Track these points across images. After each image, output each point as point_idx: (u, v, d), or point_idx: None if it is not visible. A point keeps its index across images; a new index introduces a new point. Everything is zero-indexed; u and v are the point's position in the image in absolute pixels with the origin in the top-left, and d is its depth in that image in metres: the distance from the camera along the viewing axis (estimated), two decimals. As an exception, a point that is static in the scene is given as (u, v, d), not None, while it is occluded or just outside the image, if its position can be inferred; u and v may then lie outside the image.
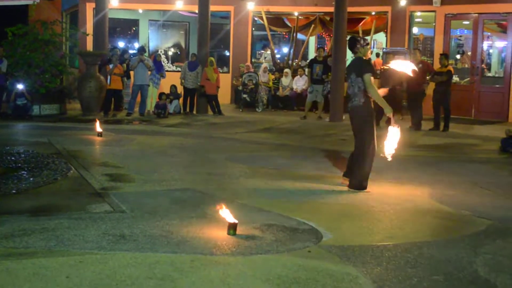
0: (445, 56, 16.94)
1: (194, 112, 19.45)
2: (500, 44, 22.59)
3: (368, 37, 22.39)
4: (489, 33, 22.03)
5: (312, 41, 25.80)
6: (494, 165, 11.36)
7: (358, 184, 8.73)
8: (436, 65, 17.66)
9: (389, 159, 8.84)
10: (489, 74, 21.88)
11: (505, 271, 5.46)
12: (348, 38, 9.70)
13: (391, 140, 8.76)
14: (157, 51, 24.85)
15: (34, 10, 20.30)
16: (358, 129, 8.84)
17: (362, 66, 8.71)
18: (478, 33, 20.01)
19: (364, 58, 8.89)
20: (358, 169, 8.77)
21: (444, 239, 6.43)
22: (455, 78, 19.50)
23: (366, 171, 8.77)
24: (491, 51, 23.24)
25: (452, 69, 16.87)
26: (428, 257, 5.74)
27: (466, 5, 19.93)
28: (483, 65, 20.88)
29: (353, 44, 8.88)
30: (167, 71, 22.31)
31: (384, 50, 21.39)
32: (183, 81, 19.43)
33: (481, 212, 7.60)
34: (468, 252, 5.93)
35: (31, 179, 8.75)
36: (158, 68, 19.10)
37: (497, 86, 19.98)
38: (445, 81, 16.24)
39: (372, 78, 8.64)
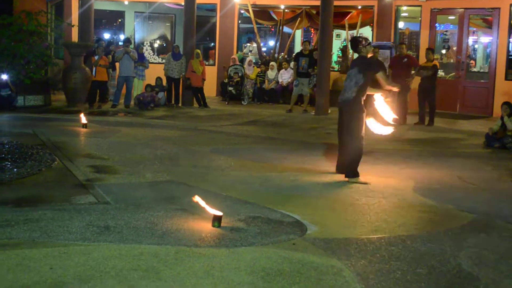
0: (431, 50, 16.99)
1: (179, 104, 19.40)
2: (485, 39, 22.66)
3: (354, 31, 22.44)
4: (474, 28, 22.11)
5: (298, 34, 25.76)
6: (478, 160, 11.41)
7: (353, 173, 8.96)
8: (422, 60, 17.70)
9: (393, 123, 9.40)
10: (474, 69, 21.95)
11: (488, 264, 5.49)
12: (350, 39, 10.03)
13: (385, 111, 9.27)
14: (143, 43, 24.79)
15: (19, 0, 20.16)
16: (347, 121, 9.05)
17: (371, 64, 9.13)
18: (463, 28, 20.07)
19: (368, 56, 9.27)
20: (350, 161, 9.00)
21: (428, 232, 6.46)
22: (441, 73, 19.56)
23: (357, 161, 9.01)
24: (476, 46, 23.31)
25: (438, 64, 16.91)
26: (412, 250, 5.76)
27: (451, 0, 20.01)
28: (468, 60, 20.95)
29: (356, 45, 9.28)
30: (152, 63, 22.23)
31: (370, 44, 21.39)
32: (166, 71, 19.37)
33: (465, 206, 7.64)
34: (451, 245, 5.96)
35: (15, 170, 8.71)
36: (140, 58, 18.99)
37: (482, 81, 20.06)
38: (430, 76, 16.28)
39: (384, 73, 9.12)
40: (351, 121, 9.00)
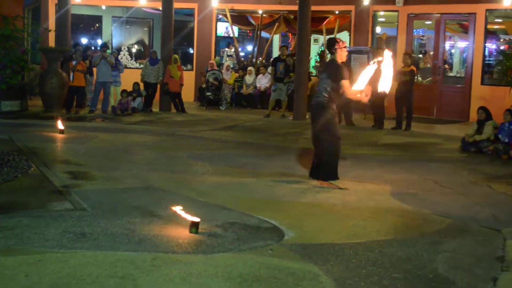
0: (408, 55, 17.07)
1: (155, 109, 19.34)
2: (461, 44, 22.83)
3: (331, 36, 22.53)
4: (451, 33, 22.28)
5: (276, 39, 25.84)
6: (454, 164, 11.49)
7: (327, 176, 8.98)
8: (399, 65, 17.79)
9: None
10: (451, 74, 22.12)
11: (464, 268, 5.52)
12: (327, 40, 9.95)
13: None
14: (120, 48, 24.72)
15: (-5, 5, 20.02)
16: (319, 124, 9.05)
17: (337, 72, 8.97)
18: (440, 33, 20.22)
19: (338, 61, 9.13)
20: (324, 164, 8.99)
21: (405, 237, 6.49)
22: (418, 78, 19.67)
23: (333, 164, 8.99)
24: (453, 51, 23.49)
25: (415, 69, 17.01)
26: (389, 255, 5.78)
27: (428, 5, 20.13)
28: (445, 65, 21.10)
29: (332, 45, 9.24)
30: (130, 68, 22.18)
31: (347, 49, 21.48)
32: (143, 76, 19.34)
33: (441, 211, 7.69)
34: (428, 250, 5.99)
35: (-9, 176, 8.64)
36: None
37: (459, 86, 20.20)
38: (408, 81, 16.36)
39: (348, 81, 8.99)
40: (324, 125, 9.01)
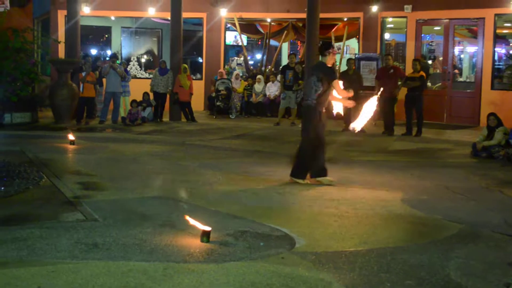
0: (418, 61, 17.06)
1: (165, 118, 19.37)
2: (471, 49, 22.81)
3: (340, 43, 22.53)
4: (460, 39, 22.25)
5: (285, 47, 25.85)
6: (466, 170, 11.45)
7: (298, 174, 9.60)
8: (409, 70, 17.77)
9: (356, 130, 9.96)
10: (461, 79, 22.08)
11: (476, 274, 5.50)
12: (321, 42, 10.27)
13: (361, 116, 9.70)
14: (130, 58, 24.81)
15: (5, 17, 20.10)
16: (307, 125, 9.63)
17: (331, 72, 9.57)
18: (449, 39, 20.22)
19: (328, 64, 9.57)
20: (300, 162, 9.62)
21: (417, 243, 6.47)
22: (427, 83, 19.64)
23: (306, 164, 9.60)
24: (462, 56, 23.46)
25: (424, 74, 16.99)
26: (401, 262, 5.76)
27: (436, 11, 20.13)
28: (454, 70, 21.07)
29: (326, 48, 9.62)
30: (140, 78, 22.25)
31: (356, 56, 21.49)
32: (152, 87, 19.39)
33: (453, 217, 7.66)
34: (440, 256, 5.96)
35: (2, 188, 8.64)
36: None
37: (469, 91, 20.17)
38: (418, 86, 16.35)
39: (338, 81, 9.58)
40: (309, 127, 9.55)
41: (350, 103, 9.80)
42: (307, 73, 9.75)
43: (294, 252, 6.01)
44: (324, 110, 9.58)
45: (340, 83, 9.65)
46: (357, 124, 9.79)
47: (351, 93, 9.78)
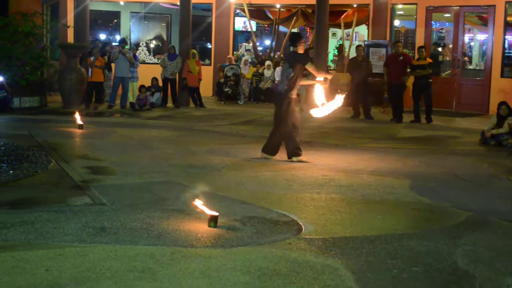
0: (423, 48, 17.01)
1: (176, 104, 19.37)
2: (481, 36, 22.68)
3: (349, 30, 22.45)
4: (470, 26, 22.13)
5: (294, 33, 25.76)
6: (474, 157, 11.42)
7: (268, 150, 10.44)
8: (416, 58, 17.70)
9: (314, 115, 10.47)
10: (470, 67, 21.99)
11: (484, 262, 5.49)
12: (292, 34, 11.02)
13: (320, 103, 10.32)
14: (139, 43, 24.80)
15: (14, 1, 20.12)
16: (280, 109, 10.27)
17: (305, 57, 10.52)
18: (459, 26, 20.11)
19: (299, 52, 10.32)
20: (274, 141, 10.43)
21: (424, 230, 6.46)
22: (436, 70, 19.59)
23: (276, 143, 10.42)
24: (472, 43, 23.35)
25: (431, 60, 16.95)
26: (408, 248, 5.76)
27: (447, -2, 20.04)
28: (464, 58, 20.98)
29: (297, 39, 10.37)
30: (148, 63, 22.24)
31: (365, 42, 21.42)
32: (163, 72, 19.37)
33: (461, 204, 7.65)
34: (447, 243, 5.95)
35: (11, 172, 8.69)
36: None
37: (478, 78, 20.09)
38: (426, 74, 16.33)
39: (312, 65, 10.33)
40: (283, 112, 10.22)
41: (322, 83, 10.31)
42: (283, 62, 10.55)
43: (301, 238, 6.02)
44: (295, 96, 10.29)
45: (313, 66, 10.32)
46: (317, 112, 10.35)
47: (330, 75, 10.74)
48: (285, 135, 10.31)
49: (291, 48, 10.46)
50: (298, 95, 10.71)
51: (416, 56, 17.58)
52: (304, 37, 10.45)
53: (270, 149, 10.45)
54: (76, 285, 4.58)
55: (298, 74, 10.17)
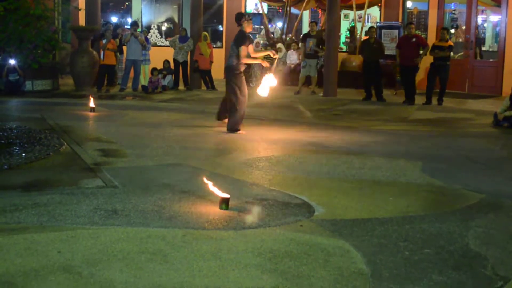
0: (446, 30, 16.96)
1: (187, 86, 19.36)
2: (494, 18, 22.54)
3: (361, 11, 22.34)
4: (483, 7, 21.97)
5: (306, 15, 25.69)
6: (487, 139, 11.38)
7: (232, 127, 11.07)
8: (431, 40, 17.59)
9: (264, 95, 11.45)
10: (483, 49, 21.84)
11: (496, 244, 5.47)
12: (236, 14, 11.79)
13: (264, 84, 11.35)
14: (150, 26, 24.77)
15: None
16: (229, 82, 11.15)
17: (238, 40, 11.03)
18: (472, 7, 19.95)
19: (246, 31, 11.16)
20: (232, 116, 11.10)
21: (436, 212, 6.44)
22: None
23: (238, 118, 11.07)
24: (485, 25, 23.19)
25: (452, 44, 16.87)
26: (420, 230, 5.74)
27: (460, -21, 19.90)
28: (477, 39, 20.85)
29: (239, 18, 11.22)
30: (160, 46, 22.21)
31: (378, 24, 21.31)
32: (175, 55, 19.34)
33: (473, 186, 7.62)
34: (459, 225, 5.94)
35: (23, 154, 8.72)
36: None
37: (491, 60, 19.96)
38: (446, 56, 16.26)
39: (245, 47, 10.98)
40: (232, 82, 11.05)
41: (265, 63, 11.31)
42: None
43: (312, 220, 6.01)
44: (242, 70, 11.08)
45: (250, 47, 11.10)
46: (262, 90, 11.36)
47: (271, 52, 11.70)
48: (230, 106, 11.09)
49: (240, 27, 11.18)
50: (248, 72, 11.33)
51: (438, 37, 17.47)
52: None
53: (234, 127, 11.11)
54: (88, 267, 4.60)
55: (242, 51, 10.89)
